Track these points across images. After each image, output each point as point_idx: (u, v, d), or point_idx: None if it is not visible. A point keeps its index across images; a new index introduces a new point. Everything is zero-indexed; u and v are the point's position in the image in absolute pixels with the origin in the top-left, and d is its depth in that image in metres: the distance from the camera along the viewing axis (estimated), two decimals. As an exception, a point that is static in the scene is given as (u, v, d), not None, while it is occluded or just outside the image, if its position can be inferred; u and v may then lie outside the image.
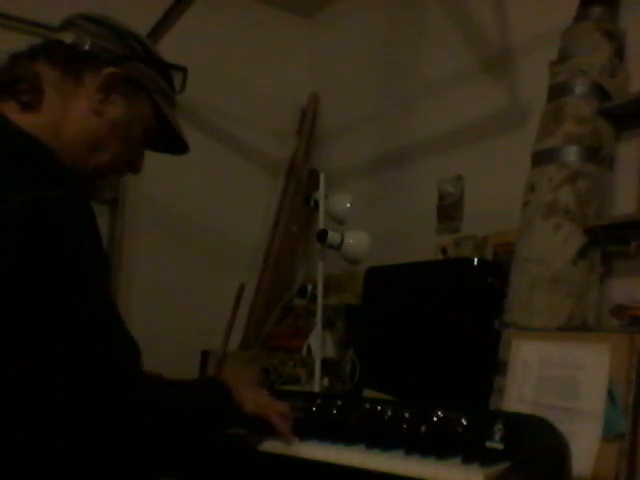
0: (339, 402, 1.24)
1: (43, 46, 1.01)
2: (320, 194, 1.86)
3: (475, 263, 1.65)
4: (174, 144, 1.16)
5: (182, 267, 2.69)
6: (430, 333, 1.66)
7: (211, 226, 2.77)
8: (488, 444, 1.01)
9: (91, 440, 0.80)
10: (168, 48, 2.44)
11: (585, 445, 1.18)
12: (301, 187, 2.82)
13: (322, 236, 1.80)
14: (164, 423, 0.89)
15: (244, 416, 1.05)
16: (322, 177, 1.88)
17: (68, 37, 1.01)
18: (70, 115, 0.98)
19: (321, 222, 1.85)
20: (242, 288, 2.23)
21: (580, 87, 1.63)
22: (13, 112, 0.94)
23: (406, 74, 2.53)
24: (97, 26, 1.03)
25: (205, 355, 2.29)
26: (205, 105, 2.77)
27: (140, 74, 1.06)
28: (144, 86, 1.06)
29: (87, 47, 1.00)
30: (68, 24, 1.04)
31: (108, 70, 1.01)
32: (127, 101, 1.04)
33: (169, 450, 0.90)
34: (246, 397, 1.05)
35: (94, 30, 1.02)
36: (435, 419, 1.09)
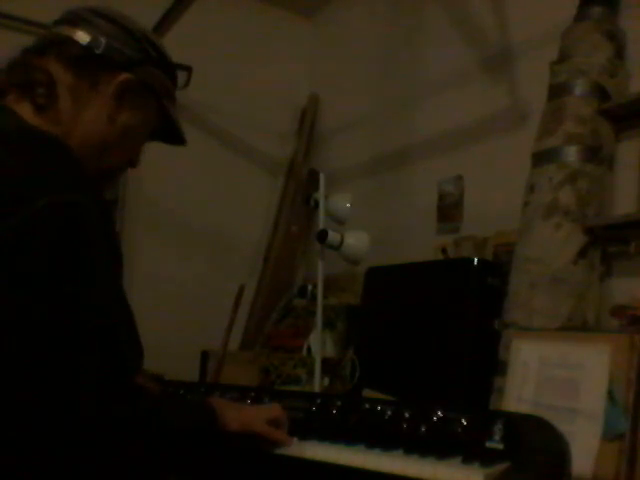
0: (339, 402, 1.23)
1: (54, 42, 0.99)
2: (320, 194, 1.87)
3: (475, 263, 1.65)
4: (172, 137, 1.16)
5: (182, 267, 2.69)
6: (430, 333, 1.66)
7: (211, 226, 2.77)
8: (488, 444, 1.01)
9: (72, 436, 0.79)
10: (168, 48, 2.46)
11: (585, 445, 1.18)
12: (301, 187, 2.83)
13: (322, 236, 1.80)
14: (148, 435, 0.88)
15: (229, 435, 1.03)
16: (322, 177, 1.89)
17: (81, 36, 0.98)
18: (82, 119, 0.98)
19: (321, 222, 1.85)
20: (242, 288, 2.23)
21: (580, 87, 1.63)
22: (27, 113, 0.93)
23: (406, 74, 2.53)
24: (112, 26, 1.01)
25: (205, 355, 2.29)
26: (205, 105, 2.77)
27: (152, 78, 1.05)
28: (155, 90, 1.06)
29: (102, 49, 0.99)
30: (79, 19, 1.01)
31: (123, 76, 1.00)
32: (138, 106, 1.03)
33: (152, 457, 0.90)
34: (229, 417, 1.03)
35: (108, 30, 1.00)
36: (435, 419, 1.09)
